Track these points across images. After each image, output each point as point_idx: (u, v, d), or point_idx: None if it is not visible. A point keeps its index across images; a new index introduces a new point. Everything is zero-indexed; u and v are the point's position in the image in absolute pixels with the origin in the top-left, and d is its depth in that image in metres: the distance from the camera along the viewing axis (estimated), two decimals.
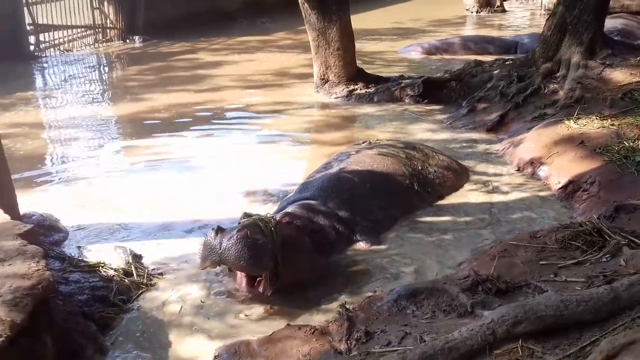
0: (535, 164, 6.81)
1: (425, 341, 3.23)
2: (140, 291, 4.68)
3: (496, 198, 6.30)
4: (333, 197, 5.56)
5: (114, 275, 4.73)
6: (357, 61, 10.91)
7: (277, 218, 4.73)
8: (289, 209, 5.34)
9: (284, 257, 4.44)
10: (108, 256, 5.09)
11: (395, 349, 3.34)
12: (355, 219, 5.47)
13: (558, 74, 8.98)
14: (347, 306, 3.95)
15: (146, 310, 4.49)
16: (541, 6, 21.92)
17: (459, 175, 6.68)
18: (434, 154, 6.82)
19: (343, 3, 10.27)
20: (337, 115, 9.66)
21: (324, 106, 10.15)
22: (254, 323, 4.31)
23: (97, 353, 3.93)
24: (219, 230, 4.42)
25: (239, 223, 4.65)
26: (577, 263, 4.13)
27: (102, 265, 4.86)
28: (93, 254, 5.21)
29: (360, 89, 10.41)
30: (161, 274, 4.95)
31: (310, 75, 11.11)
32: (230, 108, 10.22)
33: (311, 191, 5.68)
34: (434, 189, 6.28)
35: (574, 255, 4.24)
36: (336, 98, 10.36)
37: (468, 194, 6.37)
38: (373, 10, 21.56)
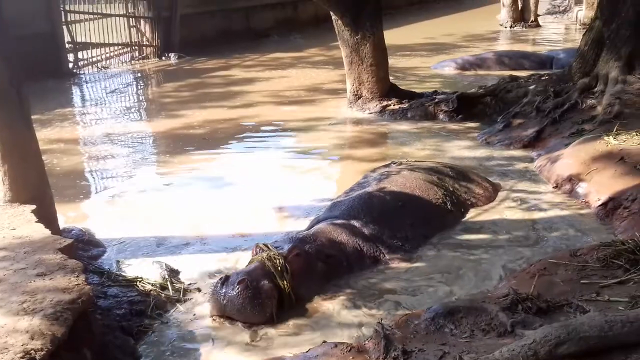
0: (573, 181, 6.69)
1: None
2: (176, 306, 4.70)
3: (534, 215, 6.20)
4: (362, 215, 5.55)
5: (151, 290, 4.78)
6: (390, 77, 10.91)
7: (286, 252, 4.77)
8: (312, 230, 5.38)
9: (294, 290, 4.59)
10: (145, 271, 5.15)
11: None
12: (382, 238, 5.45)
13: (596, 89, 8.83)
14: (384, 324, 3.90)
15: (179, 324, 4.50)
16: (576, 21, 21.67)
17: (491, 194, 6.63)
18: (466, 172, 6.83)
19: (376, 19, 10.30)
20: (371, 131, 9.65)
21: (357, 122, 10.14)
22: (287, 339, 4.30)
23: None
24: (225, 280, 4.48)
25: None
26: (620, 282, 4.02)
27: (140, 279, 4.91)
28: (131, 269, 5.27)
29: (394, 105, 10.39)
30: (198, 289, 4.96)
31: (343, 91, 11.13)
32: (264, 124, 10.28)
33: (340, 210, 5.69)
34: (466, 208, 6.23)
35: (616, 274, 4.14)
36: (369, 114, 10.35)
37: (505, 212, 6.28)
38: (406, 26, 21.58)
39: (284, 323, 4.45)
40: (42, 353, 2.98)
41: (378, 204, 5.74)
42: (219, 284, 4.48)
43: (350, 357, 3.64)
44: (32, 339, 3.03)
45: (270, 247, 4.82)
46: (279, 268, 4.59)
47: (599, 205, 6.12)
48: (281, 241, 5.06)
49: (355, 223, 5.47)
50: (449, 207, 6.04)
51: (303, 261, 4.80)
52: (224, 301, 4.41)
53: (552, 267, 4.43)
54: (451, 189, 6.28)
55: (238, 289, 4.36)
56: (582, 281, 4.11)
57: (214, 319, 4.51)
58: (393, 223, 5.59)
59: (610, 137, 7.08)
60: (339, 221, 5.49)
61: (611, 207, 5.99)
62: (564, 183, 6.77)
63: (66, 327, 3.20)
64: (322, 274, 4.94)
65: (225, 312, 4.46)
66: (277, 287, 4.52)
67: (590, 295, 3.88)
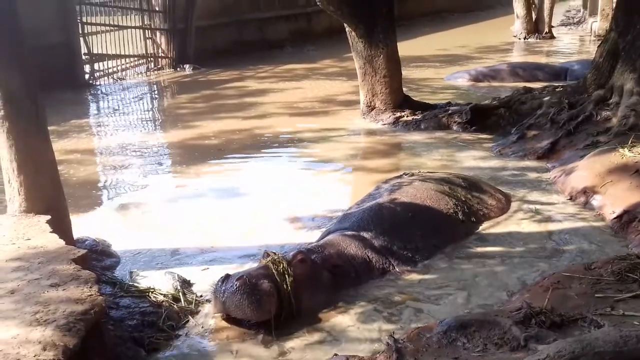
0: (588, 193, 6.64)
1: None
2: (188, 317, 4.71)
3: (548, 227, 6.15)
4: (372, 227, 5.54)
5: (163, 301, 4.78)
6: (403, 88, 10.91)
7: (291, 257, 4.79)
8: (321, 242, 5.39)
9: (297, 296, 4.58)
10: (158, 281, 5.16)
11: None
12: (393, 249, 5.43)
13: (611, 101, 8.77)
14: (395, 337, 3.88)
15: (192, 336, 4.50)
16: (591, 32, 21.56)
17: (504, 205, 6.61)
18: (478, 183, 6.81)
19: (390, 31, 10.32)
20: (384, 142, 9.64)
21: (371, 133, 10.15)
22: (300, 351, 4.28)
23: None
24: (226, 278, 4.52)
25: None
26: (635, 296, 3.98)
27: (152, 290, 4.92)
28: (144, 279, 5.29)
29: (407, 116, 10.38)
30: (209, 300, 4.96)
31: (357, 103, 11.15)
32: (278, 135, 10.31)
33: (351, 221, 5.69)
34: (478, 218, 6.21)
35: (632, 288, 4.10)
36: (383, 125, 10.36)
37: (519, 223, 6.24)
38: (420, 37, 21.60)
39: (295, 334, 4.44)
40: None
41: (388, 215, 5.73)
42: (220, 282, 4.52)
43: None
44: (45, 350, 3.05)
45: (276, 253, 4.85)
46: (282, 270, 4.60)
47: (614, 218, 6.07)
48: (291, 252, 5.07)
49: (365, 234, 5.46)
50: (460, 217, 6.02)
51: (307, 267, 4.80)
52: (223, 298, 4.43)
53: (566, 280, 4.39)
54: (463, 199, 6.26)
55: (236, 285, 4.40)
56: (596, 295, 4.07)
57: (221, 325, 4.51)
58: (403, 234, 5.57)
59: (626, 149, 7.02)
60: (348, 233, 5.49)
61: (626, 220, 5.94)
62: (579, 195, 6.72)
63: (78, 338, 3.21)
64: (328, 284, 4.92)
65: (224, 310, 4.48)
66: (277, 289, 4.52)
67: (604, 310, 3.84)
